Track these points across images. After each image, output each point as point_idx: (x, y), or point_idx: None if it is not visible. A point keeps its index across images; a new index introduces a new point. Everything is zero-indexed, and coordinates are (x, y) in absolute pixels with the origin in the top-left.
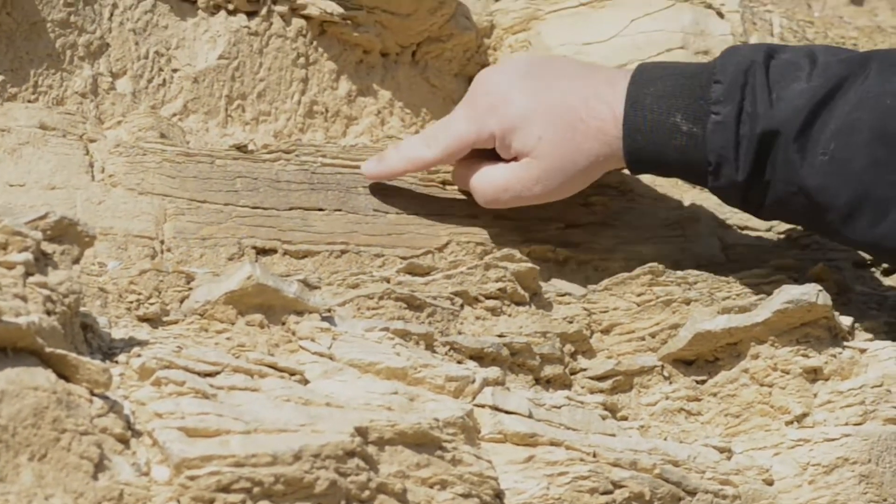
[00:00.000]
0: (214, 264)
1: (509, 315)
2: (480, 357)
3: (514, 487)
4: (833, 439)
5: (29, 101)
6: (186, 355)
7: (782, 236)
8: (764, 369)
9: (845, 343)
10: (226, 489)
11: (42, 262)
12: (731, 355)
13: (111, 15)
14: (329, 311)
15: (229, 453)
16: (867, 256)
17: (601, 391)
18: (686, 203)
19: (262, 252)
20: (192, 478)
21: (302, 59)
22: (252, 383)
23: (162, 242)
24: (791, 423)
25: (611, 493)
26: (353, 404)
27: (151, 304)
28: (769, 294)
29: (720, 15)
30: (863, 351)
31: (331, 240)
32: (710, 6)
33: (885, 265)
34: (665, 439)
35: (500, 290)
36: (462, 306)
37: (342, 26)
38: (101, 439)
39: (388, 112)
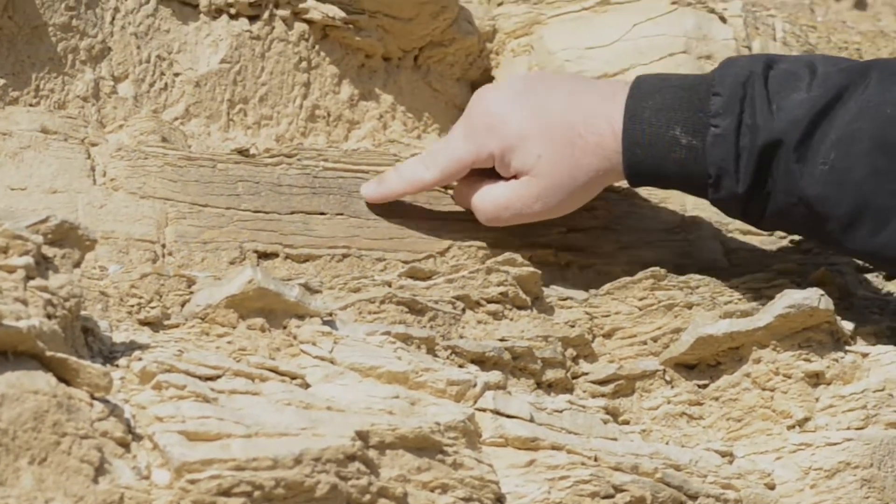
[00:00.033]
0: (216, 268)
1: (511, 319)
2: (482, 361)
3: (516, 491)
4: (835, 444)
5: (30, 105)
6: (187, 359)
7: (784, 241)
8: (766, 373)
9: (847, 347)
10: (226, 493)
11: (43, 265)
12: (733, 359)
13: (113, 19)
14: (330, 314)
15: (230, 457)
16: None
17: (603, 395)
18: (688, 207)
19: (264, 256)
20: (192, 481)
21: (304, 64)
22: (253, 387)
23: (163, 246)
24: (793, 427)
25: (612, 497)
26: (354, 408)
27: (152, 307)
28: (771, 298)
29: (723, 19)
30: (865, 355)
31: (332, 244)
32: (712, 11)
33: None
34: (667, 443)
35: (501, 294)
36: (464, 310)
37: (344, 30)
38: (101, 443)
39: (391, 116)
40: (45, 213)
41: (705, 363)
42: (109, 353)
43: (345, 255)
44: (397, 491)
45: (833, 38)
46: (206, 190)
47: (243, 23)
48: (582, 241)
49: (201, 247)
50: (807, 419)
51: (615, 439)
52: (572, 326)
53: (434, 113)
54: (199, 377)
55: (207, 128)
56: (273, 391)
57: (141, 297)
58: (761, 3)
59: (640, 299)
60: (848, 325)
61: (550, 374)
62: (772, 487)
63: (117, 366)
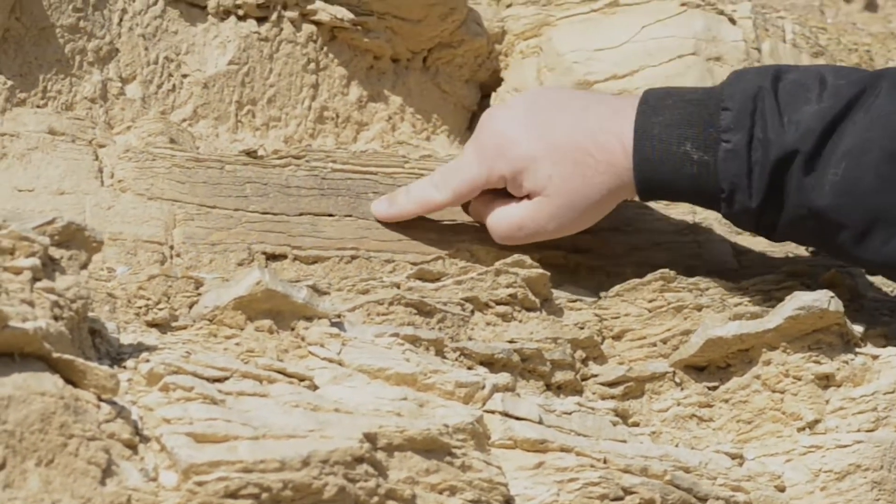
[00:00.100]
0: (224, 270)
1: (520, 321)
2: (491, 363)
3: (524, 494)
4: (845, 446)
5: (38, 107)
6: (195, 361)
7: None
8: (776, 375)
9: (857, 349)
10: (234, 495)
11: (50, 267)
12: (743, 361)
13: (121, 20)
14: (339, 316)
15: (237, 459)
16: None
17: (612, 397)
18: (697, 209)
19: (272, 257)
20: (200, 483)
21: (312, 65)
22: (261, 389)
23: (171, 248)
24: (803, 429)
25: (621, 499)
26: (362, 410)
27: (160, 309)
28: (781, 300)
29: (732, 21)
30: (875, 357)
31: (341, 245)
32: (721, 12)
33: None
34: (676, 445)
35: (510, 295)
36: (472, 312)
37: (353, 32)
38: (108, 445)
39: (399, 118)
40: (52, 214)
41: (715, 365)
42: (117, 355)
43: (353, 257)
44: (405, 493)
45: (843, 39)
46: (214, 191)
47: (251, 24)
48: (591, 243)
49: (209, 248)
50: (817, 421)
51: (624, 441)
52: (581, 328)
53: (443, 114)
54: (207, 379)
55: (215, 129)
56: (281, 393)
57: (149, 299)
58: (771, 5)
59: (650, 301)
60: (858, 328)
61: (559, 376)
62: (782, 490)
63: (125, 367)
